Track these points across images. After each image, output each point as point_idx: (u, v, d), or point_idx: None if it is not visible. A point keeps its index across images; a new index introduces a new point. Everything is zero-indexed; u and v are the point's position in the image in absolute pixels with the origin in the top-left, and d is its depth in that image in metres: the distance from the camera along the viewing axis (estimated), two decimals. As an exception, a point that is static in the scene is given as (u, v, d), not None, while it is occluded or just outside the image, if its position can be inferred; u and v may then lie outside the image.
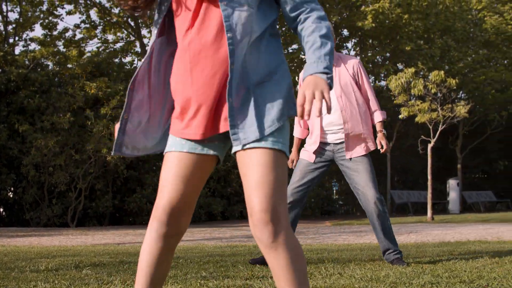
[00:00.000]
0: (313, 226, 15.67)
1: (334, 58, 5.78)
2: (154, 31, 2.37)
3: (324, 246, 8.22)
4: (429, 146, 17.91)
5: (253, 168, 2.16)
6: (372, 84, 6.45)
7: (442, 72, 17.81)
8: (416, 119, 18.11)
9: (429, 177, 18.13)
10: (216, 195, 19.48)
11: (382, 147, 5.72)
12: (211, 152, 2.32)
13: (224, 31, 2.19)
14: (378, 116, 5.80)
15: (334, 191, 29.89)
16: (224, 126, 2.23)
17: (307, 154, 5.73)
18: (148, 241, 2.30)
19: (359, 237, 10.65)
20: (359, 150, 5.58)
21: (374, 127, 5.80)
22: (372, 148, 5.69)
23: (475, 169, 37.13)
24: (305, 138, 6.02)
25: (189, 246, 8.46)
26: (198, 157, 2.31)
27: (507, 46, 32.45)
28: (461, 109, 18.10)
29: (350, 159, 5.58)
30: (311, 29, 2.25)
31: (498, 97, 30.95)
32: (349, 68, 5.79)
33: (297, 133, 6.02)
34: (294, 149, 6.06)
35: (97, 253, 7.11)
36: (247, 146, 2.17)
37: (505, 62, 33.14)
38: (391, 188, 28.94)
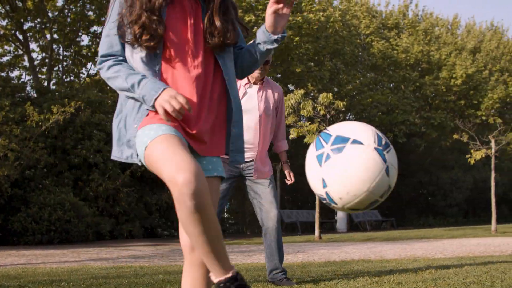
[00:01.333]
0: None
1: (265, 80, 5.94)
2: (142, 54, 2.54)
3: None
4: (318, 166, 18.24)
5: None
6: None
7: (330, 94, 18.22)
8: (305, 140, 18.40)
9: (317, 196, 18.44)
10: (105, 214, 19.12)
11: (290, 179, 5.97)
12: None
13: (218, 72, 2.63)
14: (285, 145, 6.02)
15: (225, 209, 29.96)
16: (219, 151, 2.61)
17: None
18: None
19: (247, 257, 10.70)
20: (267, 172, 5.70)
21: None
22: (271, 172, 5.80)
23: (362, 189, 38.06)
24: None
25: (74, 268, 8.23)
26: None
27: (392, 70, 33.77)
28: (348, 131, 18.57)
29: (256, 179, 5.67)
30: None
31: (384, 119, 32.03)
32: (275, 95, 5.91)
33: None
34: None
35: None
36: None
37: (391, 85, 34.43)
38: (280, 208, 29.27)
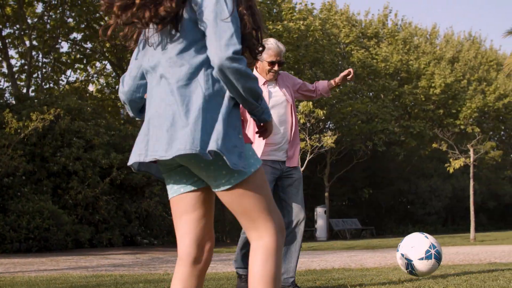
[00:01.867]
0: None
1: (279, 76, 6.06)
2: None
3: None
4: (298, 174, 18.28)
5: None
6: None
7: (310, 103, 18.30)
8: (285, 148, 18.46)
9: (297, 205, 18.47)
10: (84, 222, 18.98)
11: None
12: None
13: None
14: (322, 82, 6.15)
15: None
16: None
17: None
18: None
19: (227, 266, 10.67)
20: (296, 161, 5.81)
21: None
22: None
23: (342, 197, 38.31)
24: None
25: (53, 276, 8.15)
26: None
27: (372, 79, 33.95)
28: (328, 140, 18.68)
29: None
30: None
31: (363, 127, 32.16)
32: (289, 84, 6.03)
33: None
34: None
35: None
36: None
37: (370, 94, 34.60)
38: (260, 216, 29.20)
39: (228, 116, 2.42)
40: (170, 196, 2.66)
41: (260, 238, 2.48)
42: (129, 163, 2.54)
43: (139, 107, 2.79)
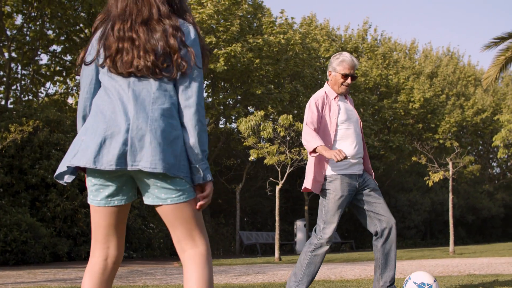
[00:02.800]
0: (161, 267, 15.47)
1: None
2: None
3: (171, 286, 8.11)
4: (277, 187, 18.28)
5: None
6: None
7: (291, 116, 18.33)
8: (265, 161, 18.45)
9: (276, 218, 18.47)
10: (62, 235, 18.81)
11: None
12: None
13: None
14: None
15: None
16: None
17: (318, 186, 5.73)
18: None
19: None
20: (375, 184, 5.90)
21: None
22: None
23: (321, 211, 38.16)
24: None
25: (30, 289, 8.06)
26: None
27: (352, 93, 34.09)
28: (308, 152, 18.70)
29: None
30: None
31: (343, 141, 32.22)
32: (351, 102, 6.11)
33: (320, 141, 5.56)
34: (327, 148, 5.51)
35: None
36: None
37: (350, 108, 34.73)
38: (240, 229, 29.21)
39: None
40: (96, 204, 2.89)
41: (196, 246, 2.88)
42: (102, 168, 2.73)
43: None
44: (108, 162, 2.71)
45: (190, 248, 2.88)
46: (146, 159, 2.70)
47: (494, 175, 51.41)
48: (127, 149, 2.71)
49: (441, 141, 37.15)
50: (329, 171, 5.64)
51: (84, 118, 2.99)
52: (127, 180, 2.87)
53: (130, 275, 12.12)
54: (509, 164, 50.17)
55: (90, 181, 2.88)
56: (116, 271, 2.97)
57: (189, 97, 2.83)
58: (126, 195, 2.90)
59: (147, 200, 2.87)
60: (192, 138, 2.82)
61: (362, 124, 6.01)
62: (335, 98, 5.79)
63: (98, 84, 2.97)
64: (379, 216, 5.59)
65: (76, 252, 18.85)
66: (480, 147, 48.07)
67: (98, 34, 2.96)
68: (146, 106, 2.77)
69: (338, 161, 5.24)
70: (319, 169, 5.66)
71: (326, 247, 5.62)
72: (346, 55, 5.82)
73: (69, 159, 2.81)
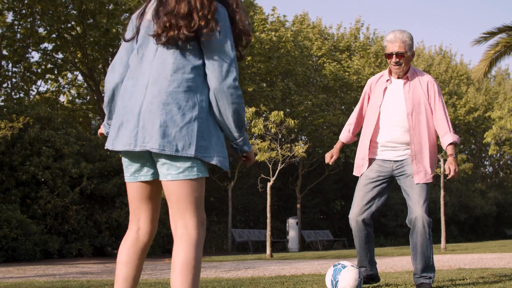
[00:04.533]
0: (152, 263, 15.44)
1: (410, 72, 5.57)
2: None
3: (160, 281, 8.08)
4: (269, 184, 18.25)
5: None
6: None
7: (282, 112, 18.31)
8: (256, 157, 18.42)
9: (268, 214, 18.43)
10: (53, 232, 18.74)
11: (449, 172, 5.29)
12: None
13: None
14: (449, 138, 5.43)
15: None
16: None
17: (359, 170, 5.69)
18: None
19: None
20: (420, 177, 5.41)
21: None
22: (431, 179, 5.47)
23: (314, 209, 38.31)
24: (349, 144, 5.99)
25: (17, 282, 8.02)
26: None
27: (344, 91, 34.11)
28: (299, 149, 18.69)
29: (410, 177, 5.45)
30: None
31: (335, 139, 32.22)
32: (423, 85, 5.53)
33: (343, 137, 5.91)
34: (337, 147, 5.88)
35: None
36: None
37: (342, 107, 34.75)
38: (232, 227, 29.18)
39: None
40: (127, 179, 3.13)
41: (186, 227, 2.94)
42: (118, 149, 2.99)
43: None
44: (122, 143, 2.96)
45: (180, 227, 2.95)
46: (155, 140, 2.87)
47: (486, 173, 51.52)
48: (137, 130, 2.91)
49: (433, 140, 37.15)
50: (360, 154, 5.68)
51: (113, 94, 3.20)
52: (148, 159, 3.05)
53: (120, 270, 12.04)
54: (501, 163, 50.30)
55: (122, 160, 3.14)
56: (148, 244, 3.16)
57: (217, 72, 2.94)
58: (150, 172, 3.07)
59: (158, 176, 3.07)
60: (224, 117, 3.00)
61: (425, 109, 5.50)
62: (386, 81, 5.57)
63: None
64: (409, 206, 5.48)
65: (67, 249, 18.77)
66: (473, 146, 48.15)
67: (137, 11, 3.18)
68: (164, 84, 2.92)
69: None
70: (357, 153, 5.74)
71: (354, 229, 5.60)
72: (390, 33, 5.49)
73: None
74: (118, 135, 2.99)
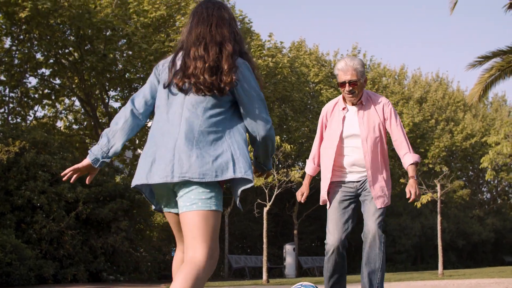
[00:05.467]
0: (148, 287, 15.34)
1: (364, 97, 5.55)
2: None
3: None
4: (265, 210, 18.20)
5: None
6: None
7: (278, 137, 18.31)
8: (253, 183, 18.36)
9: (264, 239, 18.34)
10: (48, 257, 18.60)
11: (410, 196, 5.34)
12: None
13: None
14: (409, 159, 5.44)
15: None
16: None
17: (324, 199, 5.69)
18: None
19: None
20: (379, 202, 5.42)
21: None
22: (389, 203, 5.50)
23: (311, 235, 38.17)
24: (315, 175, 5.95)
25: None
26: None
27: (340, 117, 34.13)
28: (295, 174, 18.67)
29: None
30: None
31: (332, 165, 32.21)
32: (378, 109, 5.53)
33: (309, 170, 5.91)
34: (306, 183, 5.91)
35: None
36: None
37: (340, 133, 34.74)
38: (228, 253, 29.03)
39: None
40: (161, 210, 3.53)
41: (194, 254, 3.17)
42: (153, 182, 3.28)
43: (132, 130, 3.53)
44: (158, 176, 3.26)
45: (188, 255, 3.20)
46: (193, 170, 3.19)
47: (484, 200, 51.45)
48: (174, 163, 3.21)
49: (430, 166, 37.18)
50: (324, 183, 5.68)
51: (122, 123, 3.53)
52: (172, 194, 3.38)
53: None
54: (499, 189, 50.26)
55: (155, 193, 3.47)
56: None
57: (261, 123, 3.40)
58: (177, 206, 3.42)
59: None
60: (265, 151, 3.60)
61: (381, 133, 5.52)
62: (342, 109, 5.59)
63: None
64: (364, 220, 5.49)
65: (62, 274, 18.62)
66: (470, 172, 48.15)
67: (163, 61, 3.61)
68: (196, 124, 3.30)
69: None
70: (321, 182, 5.74)
71: (333, 255, 5.52)
72: (340, 61, 5.50)
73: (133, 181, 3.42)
74: (151, 170, 3.27)
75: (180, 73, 3.35)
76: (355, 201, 5.59)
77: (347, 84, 5.39)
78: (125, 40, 24.11)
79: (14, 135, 19.25)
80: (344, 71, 5.41)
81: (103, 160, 3.52)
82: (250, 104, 3.35)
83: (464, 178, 47.03)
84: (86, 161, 3.51)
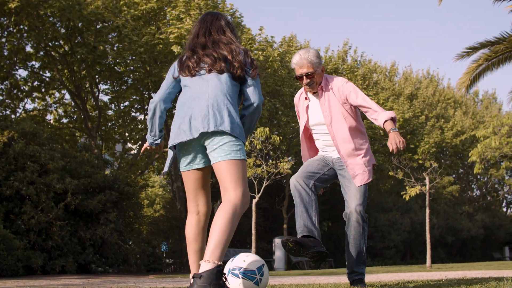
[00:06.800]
0: (136, 279, 15.31)
1: (323, 83, 5.59)
2: None
3: None
4: (254, 201, 18.22)
5: None
6: None
7: (267, 128, 18.34)
8: (242, 174, 18.36)
9: (253, 231, 18.39)
10: (36, 248, 18.54)
11: (393, 148, 5.14)
12: None
13: None
14: (382, 117, 5.31)
15: (164, 252, 29.28)
16: None
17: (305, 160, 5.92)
18: None
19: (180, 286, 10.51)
20: (357, 181, 5.44)
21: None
22: (370, 179, 5.50)
23: (301, 230, 38.12)
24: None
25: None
26: None
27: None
28: (284, 165, 18.70)
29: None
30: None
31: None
32: (336, 92, 5.55)
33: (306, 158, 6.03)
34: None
35: None
36: None
37: (330, 128, 34.79)
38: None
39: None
40: (183, 169, 4.19)
41: (229, 194, 3.91)
42: (195, 135, 4.01)
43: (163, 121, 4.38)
44: (196, 130, 4.00)
45: (225, 196, 3.93)
46: (227, 124, 3.95)
47: (474, 197, 51.64)
48: (209, 118, 3.95)
49: (420, 162, 37.28)
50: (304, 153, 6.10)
51: (154, 111, 4.32)
52: (200, 149, 4.10)
53: (102, 283, 11.98)
54: (488, 186, 50.46)
55: (178, 154, 4.19)
56: (207, 222, 4.25)
57: (249, 96, 4.20)
58: (202, 161, 4.14)
59: (209, 163, 4.15)
60: (248, 124, 4.27)
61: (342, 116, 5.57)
62: (305, 99, 5.69)
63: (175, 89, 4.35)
64: (346, 201, 5.52)
65: (50, 265, 18.56)
66: (460, 169, 48.30)
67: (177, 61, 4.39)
68: (219, 92, 4.06)
69: None
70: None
71: (296, 184, 5.53)
72: (295, 55, 5.58)
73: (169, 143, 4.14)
74: (191, 127, 3.98)
75: (210, 60, 4.20)
76: (330, 168, 5.64)
77: (304, 77, 5.50)
78: (115, 33, 24.07)
79: (3, 126, 19.18)
80: (299, 65, 5.52)
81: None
82: (253, 82, 4.21)
83: (454, 175, 47.18)
84: (146, 144, 4.60)
